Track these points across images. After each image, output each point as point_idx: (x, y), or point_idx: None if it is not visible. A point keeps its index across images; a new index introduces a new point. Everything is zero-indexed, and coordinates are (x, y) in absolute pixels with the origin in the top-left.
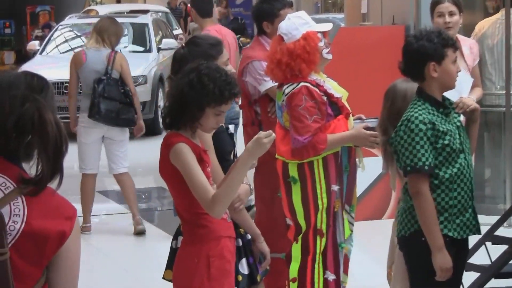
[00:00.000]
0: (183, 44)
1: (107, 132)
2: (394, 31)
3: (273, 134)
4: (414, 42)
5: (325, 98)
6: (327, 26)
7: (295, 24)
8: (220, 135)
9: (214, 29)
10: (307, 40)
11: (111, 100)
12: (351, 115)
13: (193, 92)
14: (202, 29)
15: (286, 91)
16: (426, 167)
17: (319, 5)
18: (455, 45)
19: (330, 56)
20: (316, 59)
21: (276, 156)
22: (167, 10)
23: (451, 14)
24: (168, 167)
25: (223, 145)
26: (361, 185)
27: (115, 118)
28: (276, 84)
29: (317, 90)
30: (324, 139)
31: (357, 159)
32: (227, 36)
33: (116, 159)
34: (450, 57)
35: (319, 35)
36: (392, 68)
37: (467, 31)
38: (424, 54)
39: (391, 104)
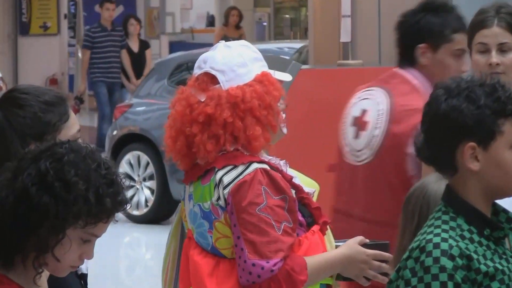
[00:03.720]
0: None
1: None
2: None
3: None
4: (442, 102)
5: (293, 192)
6: (287, 77)
7: (242, 57)
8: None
9: None
10: (267, 86)
11: None
12: (329, 226)
13: (45, 199)
14: None
15: (226, 180)
16: None
17: (264, 24)
18: None
19: (285, 130)
20: (276, 121)
21: None
22: None
23: (502, 48)
24: None
25: None
26: None
27: None
28: None
29: (281, 176)
30: (302, 264)
31: None
32: None
33: None
34: (507, 136)
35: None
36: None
37: None
38: (458, 126)
39: (419, 219)
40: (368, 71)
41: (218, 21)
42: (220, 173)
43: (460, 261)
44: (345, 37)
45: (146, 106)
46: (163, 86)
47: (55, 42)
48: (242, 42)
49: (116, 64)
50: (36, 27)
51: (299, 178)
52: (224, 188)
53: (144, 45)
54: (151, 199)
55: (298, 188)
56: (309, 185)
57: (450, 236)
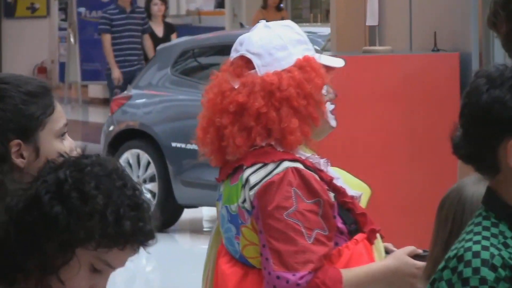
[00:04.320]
0: None
1: None
2: (440, 63)
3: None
4: (484, 92)
5: (331, 195)
6: (338, 62)
7: (282, 39)
8: None
9: None
10: (308, 72)
11: None
12: (378, 235)
13: (57, 209)
14: None
15: (253, 180)
16: None
17: (281, 6)
18: None
19: (334, 122)
20: (319, 113)
21: None
22: None
23: None
24: None
25: None
26: None
27: None
28: None
29: (317, 177)
30: (337, 278)
31: None
32: None
33: None
34: None
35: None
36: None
37: None
38: (501, 120)
39: (452, 226)
40: (397, 58)
41: (228, 2)
42: (247, 172)
43: (503, 272)
44: (371, 20)
45: (147, 98)
46: (166, 76)
47: (44, 26)
48: (285, 22)
49: (136, 51)
50: (23, 8)
51: (345, 179)
52: (251, 189)
53: (170, 29)
54: (152, 203)
55: (339, 191)
56: (356, 188)
57: (491, 244)
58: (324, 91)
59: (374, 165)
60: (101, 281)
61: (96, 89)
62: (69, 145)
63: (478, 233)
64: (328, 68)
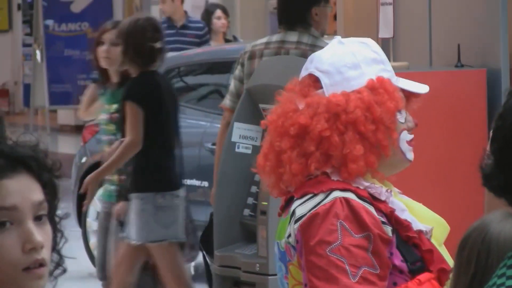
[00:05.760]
0: None
1: None
2: (465, 81)
3: None
4: None
5: (388, 229)
6: (420, 88)
7: (355, 56)
8: None
9: None
10: (380, 94)
11: None
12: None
13: None
14: None
15: (298, 212)
16: None
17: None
18: None
19: (412, 155)
20: (389, 141)
21: None
22: None
23: None
24: None
25: None
26: None
27: None
28: None
29: (370, 209)
30: None
31: None
32: None
33: None
34: None
35: (402, 97)
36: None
37: None
38: None
39: (476, 269)
40: (415, 76)
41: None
42: (296, 204)
43: None
44: (385, 31)
45: None
46: None
47: (6, 41)
48: (364, 39)
49: None
50: None
51: (414, 212)
52: (296, 222)
53: None
54: None
55: (402, 224)
56: (429, 222)
57: None
58: (401, 119)
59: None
60: (24, 230)
61: (66, 115)
62: None
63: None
64: (411, 94)
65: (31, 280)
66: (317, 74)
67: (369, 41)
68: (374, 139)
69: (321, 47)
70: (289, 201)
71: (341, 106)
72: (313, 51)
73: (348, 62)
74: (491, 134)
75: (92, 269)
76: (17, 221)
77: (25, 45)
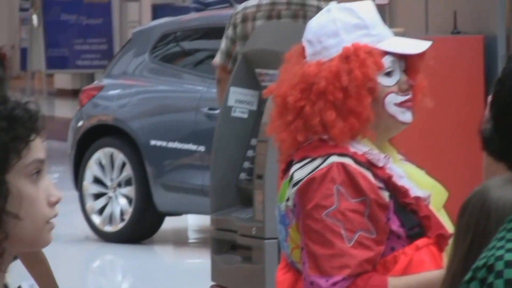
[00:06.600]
0: None
1: None
2: (462, 47)
3: None
4: None
5: (385, 194)
6: (418, 47)
7: (336, 24)
8: None
9: None
10: (351, 62)
11: None
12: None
13: None
14: None
15: (296, 176)
16: None
17: None
18: None
19: (408, 117)
20: (364, 106)
21: None
22: None
23: None
24: None
25: None
26: None
27: None
28: None
29: (367, 174)
30: (380, 285)
31: None
32: None
33: None
34: None
35: (387, 59)
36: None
37: None
38: None
39: (474, 235)
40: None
41: None
42: (294, 167)
43: None
44: None
45: (122, 89)
46: (143, 63)
47: (3, 5)
48: (354, 3)
49: None
50: None
51: (414, 178)
52: (294, 186)
53: None
54: (128, 210)
55: (400, 190)
56: (428, 188)
57: None
58: (386, 82)
59: None
60: (48, 184)
61: (63, 79)
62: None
63: (511, 240)
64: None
65: (49, 231)
66: (304, 43)
67: (358, 6)
68: (346, 107)
69: (311, 5)
70: (290, 164)
71: (311, 77)
72: (304, 10)
73: (328, 30)
74: (490, 99)
75: (88, 232)
76: (41, 175)
77: (22, 9)
